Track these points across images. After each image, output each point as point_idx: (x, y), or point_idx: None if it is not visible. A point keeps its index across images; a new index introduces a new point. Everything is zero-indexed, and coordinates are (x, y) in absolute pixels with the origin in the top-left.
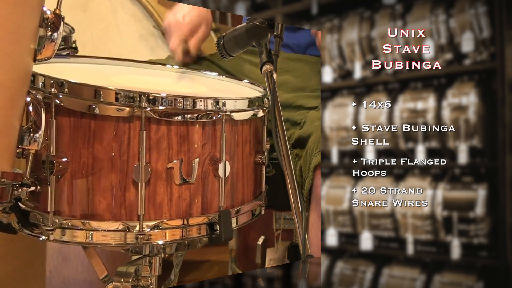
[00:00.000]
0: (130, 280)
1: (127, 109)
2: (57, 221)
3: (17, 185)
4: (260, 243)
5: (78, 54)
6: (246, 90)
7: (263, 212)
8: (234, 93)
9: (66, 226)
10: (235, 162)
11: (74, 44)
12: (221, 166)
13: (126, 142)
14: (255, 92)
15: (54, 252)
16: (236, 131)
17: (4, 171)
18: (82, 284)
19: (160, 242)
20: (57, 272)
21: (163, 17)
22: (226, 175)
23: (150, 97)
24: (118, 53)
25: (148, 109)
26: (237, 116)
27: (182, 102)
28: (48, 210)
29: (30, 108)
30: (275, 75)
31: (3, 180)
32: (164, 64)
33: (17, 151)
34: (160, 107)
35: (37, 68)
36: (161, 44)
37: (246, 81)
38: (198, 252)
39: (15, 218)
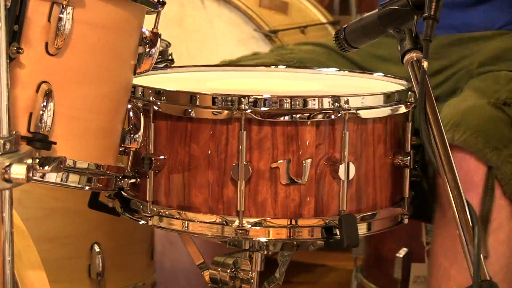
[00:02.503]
0: (228, 270)
1: (225, 111)
2: (155, 209)
3: (120, 177)
4: (401, 256)
5: (174, 65)
6: (380, 84)
7: (405, 221)
8: (362, 89)
9: (163, 215)
10: (362, 164)
11: (170, 57)
12: (342, 167)
13: (224, 142)
14: (394, 86)
15: (162, 236)
16: (364, 130)
17: (109, 164)
18: (189, 268)
19: (263, 239)
20: (165, 255)
21: (265, 19)
22: (350, 178)
23: (251, 99)
24: (215, 60)
25: (249, 111)
26: (365, 114)
27: (290, 102)
28: (147, 199)
29: (131, 113)
30: (425, 63)
31: (108, 172)
32: (267, 65)
33: (120, 149)
34: (263, 108)
35: (137, 80)
36: (263, 46)
37: (380, 74)
38: (310, 254)
39: (118, 204)
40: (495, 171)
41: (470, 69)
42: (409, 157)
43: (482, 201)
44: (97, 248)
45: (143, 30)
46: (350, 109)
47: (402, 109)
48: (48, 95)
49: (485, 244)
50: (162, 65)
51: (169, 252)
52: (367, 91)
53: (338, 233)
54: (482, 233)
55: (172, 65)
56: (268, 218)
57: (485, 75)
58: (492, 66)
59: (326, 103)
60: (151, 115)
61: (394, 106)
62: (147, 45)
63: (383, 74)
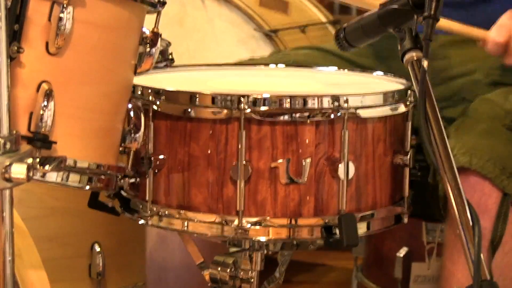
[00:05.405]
0: (228, 270)
1: (225, 111)
2: (154, 209)
3: (120, 176)
4: (402, 255)
5: (175, 64)
6: (380, 83)
7: (405, 220)
8: (361, 88)
9: (163, 214)
10: (362, 163)
11: (170, 56)
12: (341, 166)
13: (224, 141)
14: (394, 85)
15: (153, 234)
16: (363, 130)
17: (110, 164)
18: (179, 266)
19: (262, 238)
20: (156, 252)
21: (265, 19)
22: (350, 177)
23: (250, 99)
24: (215, 59)
25: (248, 110)
26: (365, 113)
27: (289, 102)
28: (147, 199)
29: (131, 113)
30: (425, 63)
31: (109, 172)
32: (267, 64)
33: (120, 148)
34: (262, 108)
35: (138, 80)
36: (263, 45)
37: (380, 73)
38: (310, 254)
39: (118, 203)
40: (510, 198)
41: (477, 79)
42: (408, 156)
43: (494, 226)
44: (97, 248)
45: (144, 29)
46: (349, 109)
47: (402, 109)
48: (49, 94)
49: (490, 268)
50: (163, 64)
51: (159, 250)
52: (366, 90)
53: (337, 233)
54: (490, 257)
55: (172, 65)
56: (268, 218)
57: (494, 93)
58: (500, 77)
59: (326, 103)
60: (151, 114)
61: (393, 106)
62: (148, 45)
63: (383, 73)
